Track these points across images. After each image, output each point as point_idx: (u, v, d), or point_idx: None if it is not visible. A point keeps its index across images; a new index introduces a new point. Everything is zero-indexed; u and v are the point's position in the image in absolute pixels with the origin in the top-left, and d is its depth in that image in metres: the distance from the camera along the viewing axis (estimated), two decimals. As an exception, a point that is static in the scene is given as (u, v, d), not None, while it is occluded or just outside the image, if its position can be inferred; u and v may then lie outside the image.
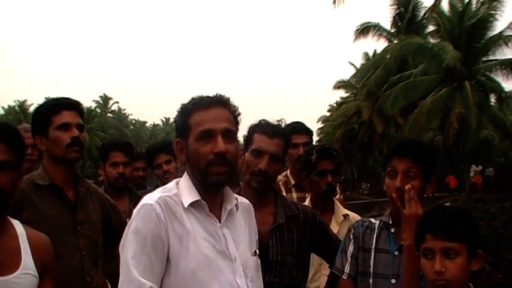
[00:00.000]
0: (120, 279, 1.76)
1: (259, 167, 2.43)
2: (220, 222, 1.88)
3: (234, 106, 1.93)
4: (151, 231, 1.75)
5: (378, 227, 2.33)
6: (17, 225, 1.93)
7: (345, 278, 2.34)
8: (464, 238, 1.86)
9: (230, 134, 1.86)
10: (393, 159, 2.24)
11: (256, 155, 2.45)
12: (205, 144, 1.81)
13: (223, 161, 1.81)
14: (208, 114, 1.84)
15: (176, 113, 1.93)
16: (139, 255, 1.74)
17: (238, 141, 1.94)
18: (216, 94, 1.92)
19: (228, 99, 1.93)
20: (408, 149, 2.25)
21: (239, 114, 1.95)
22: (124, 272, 1.75)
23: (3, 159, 1.81)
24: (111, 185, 3.73)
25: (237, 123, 1.93)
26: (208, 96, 1.90)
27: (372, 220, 2.40)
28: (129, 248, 1.76)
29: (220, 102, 1.89)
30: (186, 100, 1.94)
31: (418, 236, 1.94)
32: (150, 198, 1.82)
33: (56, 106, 2.63)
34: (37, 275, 1.87)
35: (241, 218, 1.99)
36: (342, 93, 47.54)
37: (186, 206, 1.82)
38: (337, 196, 3.72)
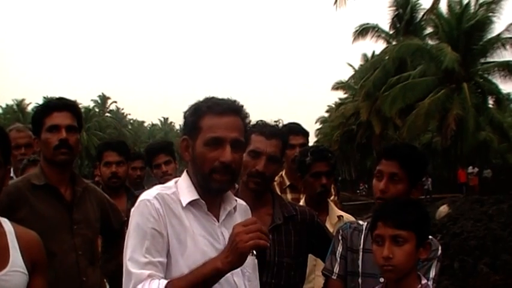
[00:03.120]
0: (123, 276, 1.75)
1: (257, 168, 2.41)
2: (218, 221, 1.88)
3: (246, 114, 1.93)
4: (151, 225, 1.75)
5: (366, 228, 2.36)
6: (5, 223, 1.91)
7: (335, 278, 2.37)
8: (412, 227, 1.96)
9: (239, 144, 1.85)
10: (381, 161, 2.26)
11: (253, 156, 2.43)
12: (213, 150, 1.81)
13: (228, 170, 1.81)
14: (221, 121, 1.83)
15: (187, 108, 1.91)
16: (140, 249, 1.73)
17: (244, 150, 1.94)
18: (230, 99, 1.90)
19: (242, 106, 1.92)
20: (396, 152, 2.26)
21: (249, 122, 1.96)
22: (125, 268, 1.74)
23: None
24: (106, 185, 3.73)
25: (246, 131, 1.93)
26: (223, 101, 1.88)
27: (360, 222, 2.45)
28: (129, 243, 1.76)
29: (235, 110, 1.88)
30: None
31: (371, 224, 2.05)
32: (149, 194, 1.82)
33: (47, 108, 2.64)
34: (26, 272, 1.85)
35: (239, 219, 1.97)
36: (341, 94, 47.70)
37: (184, 204, 1.82)
38: (332, 197, 3.71)
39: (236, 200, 1.97)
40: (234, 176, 1.85)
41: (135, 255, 1.73)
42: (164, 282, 1.67)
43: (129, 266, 1.72)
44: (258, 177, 2.43)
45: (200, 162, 1.83)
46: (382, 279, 2.22)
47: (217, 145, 1.81)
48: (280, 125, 2.55)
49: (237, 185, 2.70)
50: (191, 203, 1.83)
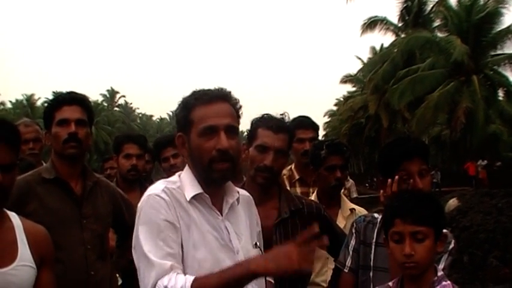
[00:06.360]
0: (140, 272, 1.73)
1: (265, 163, 2.41)
2: (222, 215, 1.87)
3: (236, 99, 1.91)
4: (164, 217, 1.74)
5: (380, 221, 2.33)
6: (14, 217, 1.93)
7: (346, 271, 2.38)
8: (431, 222, 1.94)
9: (233, 129, 1.84)
10: (403, 164, 2.18)
11: (261, 151, 2.42)
12: (208, 140, 1.80)
13: (226, 157, 1.80)
14: (210, 109, 1.82)
15: (177, 106, 1.91)
16: (155, 242, 1.72)
17: (239, 135, 1.92)
18: (218, 88, 1.90)
19: (230, 92, 1.90)
20: (416, 150, 2.22)
21: (240, 107, 1.92)
22: (143, 262, 1.72)
23: (9, 161, 1.82)
24: (123, 177, 3.73)
25: (238, 117, 1.91)
26: (210, 90, 1.88)
27: (375, 215, 2.41)
28: (143, 238, 1.74)
29: (223, 97, 1.87)
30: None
31: (387, 221, 2.00)
32: (156, 188, 1.82)
33: (57, 102, 2.65)
34: (35, 266, 1.87)
35: (242, 211, 1.98)
36: (349, 87, 47.63)
37: (188, 199, 1.81)
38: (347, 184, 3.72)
39: (238, 192, 1.95)
40: (234, 163, 1.83)
41: (153, 247, 1.71)
42: (191, 278, 1.64)
43: (150, 256, 1.69)
44: (266, 171, 2.42)
45: (198, 154, 1.82)
46: None
47: (212, 134, 1.80)
48: (286, 117, 2.53)
49: (244, 177, 2.69)
50: (195, 197, 1.82)
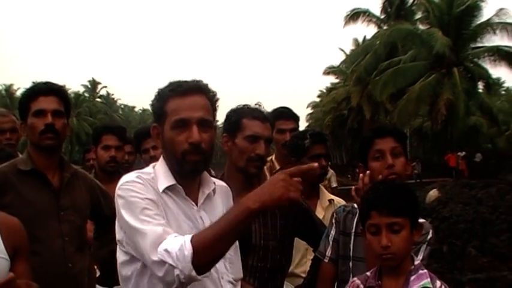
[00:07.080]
0: (137, 246, 1.68)
1: (258, 152, 2.42)
2: (197, 205, 1.86)
3: (212, 92, 1.89)
4: (143, 196, 1.73)
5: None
6: None
7: (327, 261, 2.39)
8: (406, 212, 1.94)
9: (206, 123, 1.82)
10: (375, 142, 2.24)
11: (252, 141, 2.42)
12: (181, 133, 1.79)
13: (198, 150, 1.79)
14: (184, 102, 1.80)
15: (153, 96, 1.89)
16: (140, 219, 1.68)
17: (215, 127, 1.90)
18: (194, 80, 1.87)
19: (206, 85, 1.88)
20: (388, 129, 2.29)
21: (217, 100, 1.91)
22: (136, 236, 1.68)
23: None
24: (102, 169, 3.69)
25: (214, 109, 1.89)
26: (185, 82, 1.85)
27: (355, 205, 2.40)
28: (128, 218, 1.71)
29: (198, 89, 1.85)
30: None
31: (363, 213, 2.01)
32: (129, 177, 1.80)
33: (33, 92, 2.60)
34: (8, 258, 1.85)
35: (219, 201, 1.97)
36: (332, 79, 47.80)
37: (161, 190, 1.80)
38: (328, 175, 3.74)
39: (215, 183, 1.94)
40: (206, 156, 1.81)
41: (140, 219, 1.68)
42: (188, 236, 1.61)
43: (141, 227, 1.66)
44: (259, 161, 2.44)
45: (170, 147, 1.81)
46: None
47: (184, 127, 1.78)
48: (262, 108, 2.54)
49: (212, 171, 2.69)
50: (169, 188, 1.81)
